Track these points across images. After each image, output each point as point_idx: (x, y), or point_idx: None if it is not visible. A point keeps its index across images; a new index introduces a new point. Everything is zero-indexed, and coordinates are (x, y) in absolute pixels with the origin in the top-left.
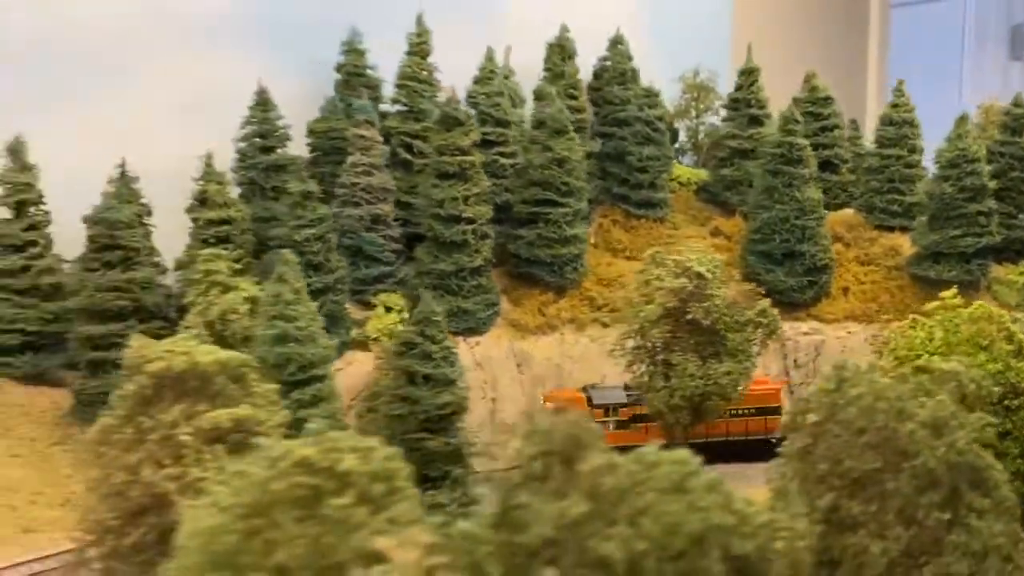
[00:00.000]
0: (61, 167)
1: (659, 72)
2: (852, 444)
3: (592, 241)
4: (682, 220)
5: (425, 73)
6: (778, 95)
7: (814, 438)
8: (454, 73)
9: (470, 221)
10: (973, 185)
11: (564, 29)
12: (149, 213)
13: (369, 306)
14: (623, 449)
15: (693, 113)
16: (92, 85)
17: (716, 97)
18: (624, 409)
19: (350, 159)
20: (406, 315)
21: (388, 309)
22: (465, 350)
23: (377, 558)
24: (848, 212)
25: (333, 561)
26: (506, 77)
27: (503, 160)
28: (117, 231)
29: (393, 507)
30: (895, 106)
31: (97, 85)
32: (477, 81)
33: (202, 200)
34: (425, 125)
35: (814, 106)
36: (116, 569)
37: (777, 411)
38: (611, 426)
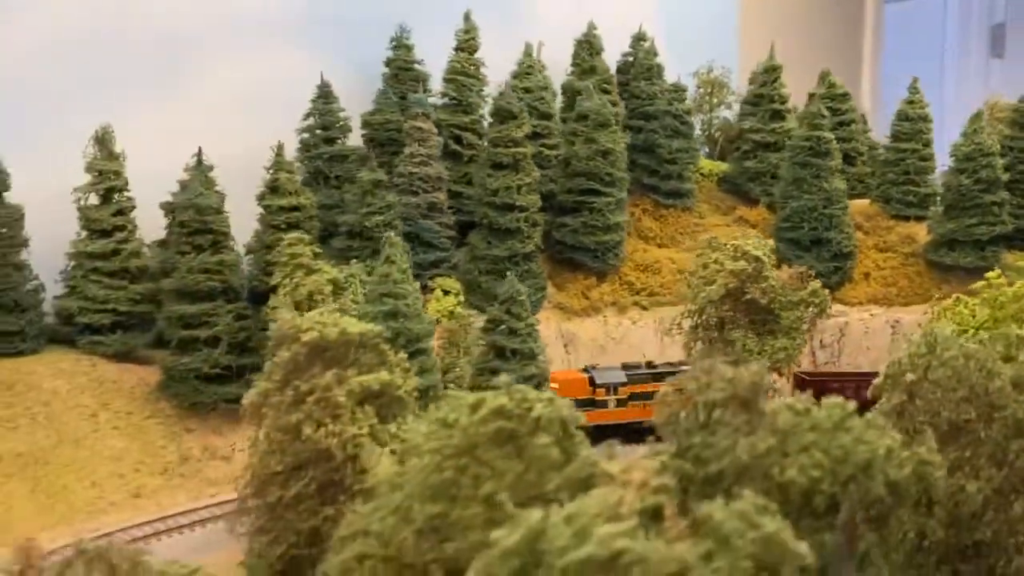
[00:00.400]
0: (138, 156)
1: (670, 68)
2: (948, 399)
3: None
4: (707, 210)
5: (473, 68)
6: None
7: (909, 395)
8: (486, 68)
9: (522, 209)
10: (988, 177)
11: (591, 26)
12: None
13: (427, 290)
14: (624, 425)
15: (707, 107)
16: (166, 83)
17: (729, 92)
18: (624, 388)
19: (407, 149)
20: (462, 298)
21: (446, 292)
22: None
23: (598, 482)
24: (865, 202)
25: (538, 492)
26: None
27: (547, 151)
28: (207, 216)
29: (579, 447)
30: (910, 102)
31: (172, 84)
32: (516, 76)
33: (273, 188)
34: (473, 118)
35: (832, 102)
36: (281, 516)
37: None
38: (612, 404)
